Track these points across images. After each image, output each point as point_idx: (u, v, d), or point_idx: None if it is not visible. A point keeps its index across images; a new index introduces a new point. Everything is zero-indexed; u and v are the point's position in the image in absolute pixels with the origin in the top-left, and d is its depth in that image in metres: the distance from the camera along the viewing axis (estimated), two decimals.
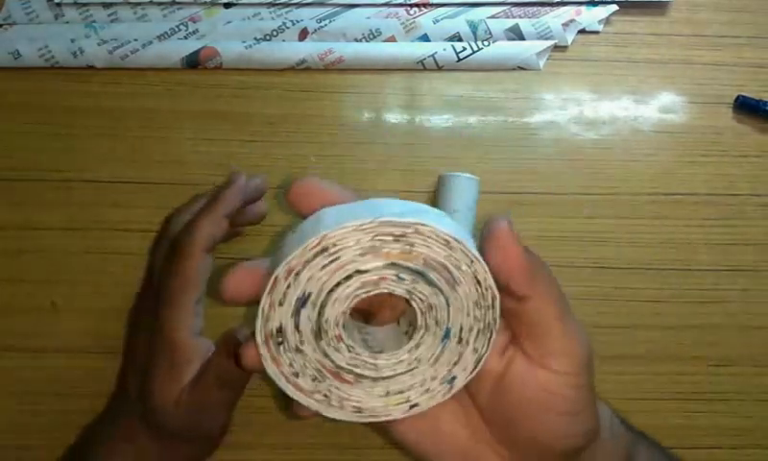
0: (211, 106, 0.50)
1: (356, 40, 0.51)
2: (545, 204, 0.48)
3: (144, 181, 0.48)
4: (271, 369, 0.26)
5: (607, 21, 0.52)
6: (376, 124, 0.50)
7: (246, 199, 0.42)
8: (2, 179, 0.48)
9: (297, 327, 0.25)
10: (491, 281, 0.26)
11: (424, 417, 0.28)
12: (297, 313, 0.25)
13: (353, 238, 0.24)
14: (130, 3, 0.51)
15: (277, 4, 0.52)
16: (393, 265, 0.25)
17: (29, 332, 0.45)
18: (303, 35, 0.51)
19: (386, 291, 0.25)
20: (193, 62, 0.50)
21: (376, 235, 0.24)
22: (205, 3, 0.51)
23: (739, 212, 0.48)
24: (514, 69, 0.51)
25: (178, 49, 0.50)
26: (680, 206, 0.48)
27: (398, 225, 0.24)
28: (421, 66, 0.50)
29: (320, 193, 0.26)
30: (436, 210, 0.26)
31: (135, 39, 0.49)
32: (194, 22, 0.51)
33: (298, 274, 0.25)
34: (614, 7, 0.52)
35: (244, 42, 0.50)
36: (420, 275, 0.25)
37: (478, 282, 0.26)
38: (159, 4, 0.51)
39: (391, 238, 0.24)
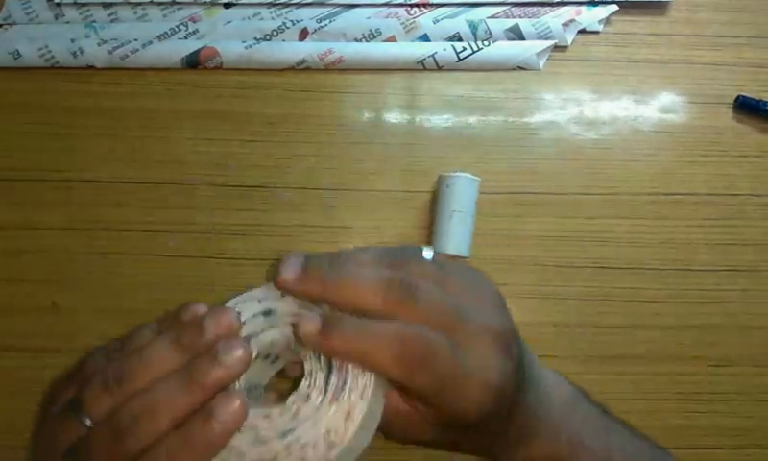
0: (211, 106, 0.50)
1: (356, 40, 0.51)
2: (545, 204, 0.48)
3: (144, 181, 0.48)
4: None
5: (607, 21, 0.52)
6: (376, 124, 0.50)
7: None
8: (2, 179, 0.48)
9: None
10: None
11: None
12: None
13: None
14: (130, 3, 0.51)
15: (277, 4, 0.52)
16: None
17: (29, 332, 0.45)
18: (303, 35, 0.51)
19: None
20: (193, 62, 0.50)
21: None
22: (205, 3, 0.51)
23: (739, 212, 0.48)
24: (514, 69, 0.51)
25: (178, 49, 0.50)
26: (680, 206, 0.48)
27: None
28: (421, 66, 0.50)
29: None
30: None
31: (135, 39, 0.49)
32: (194, 22, 0.51)
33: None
34: (614, 7, 0.52)
35: (244, 42, 0.50)
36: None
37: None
38: (159, 4, 0.51)
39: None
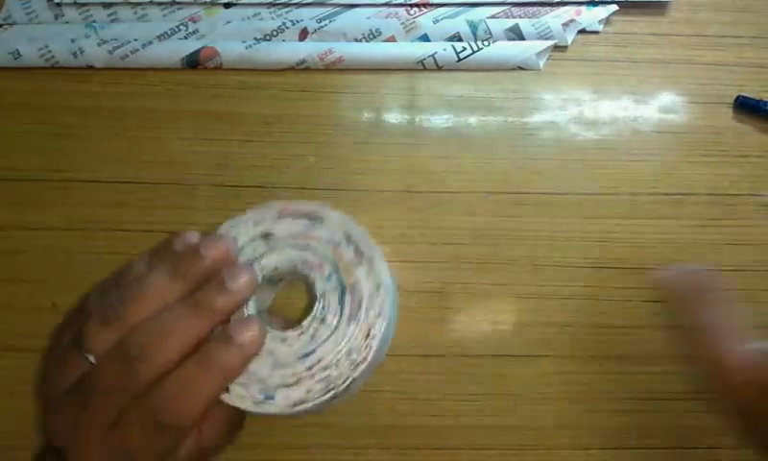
0: (211, 106, 0.50)
1: (356, 40, 0.51)
2: (545, 204, 0.48)
3: (144, 181, 0.48)
4: None
5: (607, 21, 0.52)
6: (376, 124, 0.50)
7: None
8: (2, 179, 0.48)
9: None
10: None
11: None
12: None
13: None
14: (130, 3, 0.51)
15: (277, 4, 0.52)
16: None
17: (29, 332, 0.45)
18: (303, 35, 0.51)
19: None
20: (193, 62, 0.50)
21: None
22: (205, 3, 0.51)
23: (739, 212, 0.48)
24: (514, 69, 0.51)
25: (178, 49, 0.50)
26: (680, 206, 0.48)
27: None
28: (421, 66, 0.50)
29: None
30: None
31: (135, 39, 0.49)
32: (194, 22, 0.51)
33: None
34: (614, 7, 0.52)
35: (244, 42, 0.50)
36: None
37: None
38: (159, 4, 0.51)
39: None
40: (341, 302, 0.29)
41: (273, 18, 0.51)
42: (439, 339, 0.45)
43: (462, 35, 0.51)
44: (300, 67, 0.50)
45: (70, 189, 0.47)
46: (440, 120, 0.50)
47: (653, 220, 0.48)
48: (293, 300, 0.32)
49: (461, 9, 0.52)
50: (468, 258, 0.46)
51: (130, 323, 0.27)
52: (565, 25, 0.51)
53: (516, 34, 0.51)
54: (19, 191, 0.47)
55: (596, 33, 0.52)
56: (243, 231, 0.30)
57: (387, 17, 0.51)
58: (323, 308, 0.29)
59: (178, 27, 0.50)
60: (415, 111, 0.50)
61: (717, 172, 0.49)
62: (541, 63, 0.51)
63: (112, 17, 0.51)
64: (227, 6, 0.52)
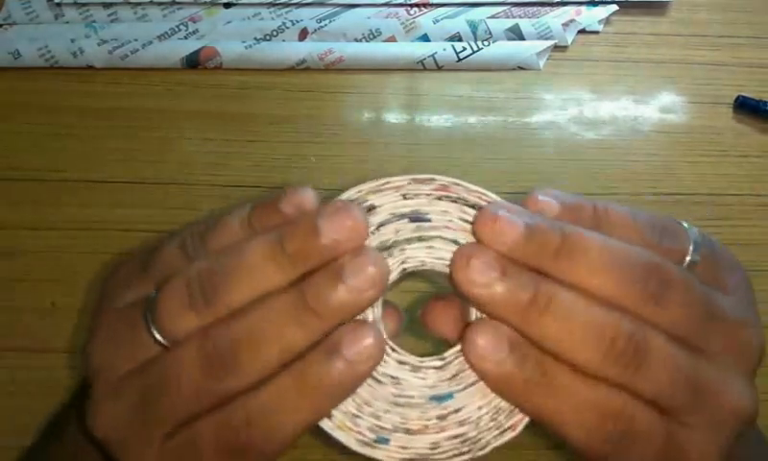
0: (211, 106, 0.50)
1: (356, 40, 0.51)
2: None
3: (144, 181, 0.48)
4: None
5: (607, 21, 0.52)
6: (376, 124, 0.50)
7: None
8: (2, 179, 0.48)
9: None
10: None
11: None
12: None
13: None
14: (130, 3, 0.51)
15: (277, 4, 0.52)
16: None
17: (29, 332, 0.45)
18: (303, 35, 0.51)
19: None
20: (193, 62, 0.50)
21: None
22: (205, 3, 0.51)
23: (739, 212, 0.48)
24: (514, 69, 0.51)
25: (178, 49, 0.50)
26: (680, 206, 0.48)
27: None
28: (421, 66, 0.50)
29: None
30: None
31: (135, 39, 0.49)
32: (194, 22, 0.51)
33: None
34: (614, 7, 0.52)
35: (244, 42, 0.50)
36: None
37: None
38: (159, 4, 0.51)
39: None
40: None
41: (273, 18, 0.51)
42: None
43: (462, 35, 0.51)
44: (301, 67, 0.50)
45: (70, 189, 0.47)
46: (440, 120, 0.50)
47: None
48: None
49: (461, 9, 0.52)
50: None
51: (220, 310, 0.21)
52: (565, 25, 0.51)
53: (516, 34, 0.51)
54: (19, 191, 0.47)
55: (596, 33, 0.52)
56: (387, 203, 0.23)
57: (387, 17, 0.51)
58: None
59: (178, 27, 0.50)
60: (415, 111, 0.50)
61: (717, 172, 0.49)
62: (541, 63, 0.51)
63: (112, 17, 0.51)
64: (227, 6, 0.52)
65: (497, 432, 0.22)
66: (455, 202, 0.23)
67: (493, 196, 0.23)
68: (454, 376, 0.22)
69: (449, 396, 0.22)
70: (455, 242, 0.22)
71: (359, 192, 0.23)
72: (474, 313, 0.22)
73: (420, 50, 0.50)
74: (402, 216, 0.23)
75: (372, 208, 0.23)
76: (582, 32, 0.51)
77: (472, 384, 0.22)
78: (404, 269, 0.22)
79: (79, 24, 0.51)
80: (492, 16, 0.51)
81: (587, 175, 0.49)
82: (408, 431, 0.22)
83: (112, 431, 0.23)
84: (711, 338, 0.23)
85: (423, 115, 0.50)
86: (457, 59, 0.50)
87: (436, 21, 0.51)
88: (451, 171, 0.47)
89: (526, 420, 0.22)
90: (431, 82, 0.51)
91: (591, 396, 0.21)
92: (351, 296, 0.20)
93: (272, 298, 0.21)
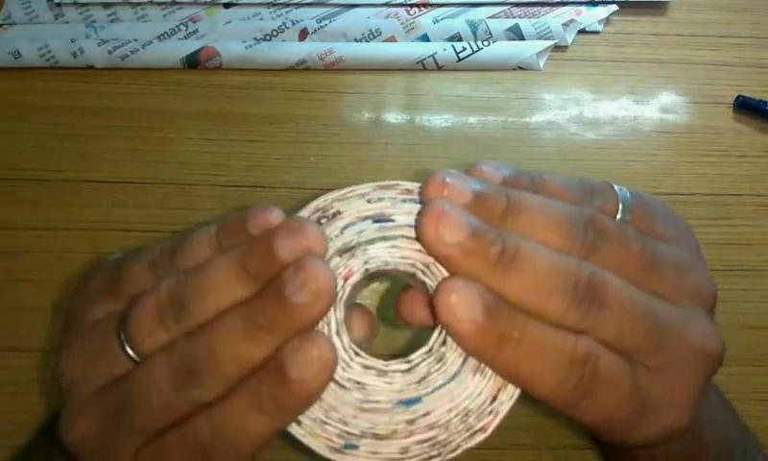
0: (211, 106, 0.50)
1: (356, 40, 0.51)
2: None
3: (144, 181, 0.48)
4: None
5: (607, 21, 0.52)
6: (376, 124, 0.50)
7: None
8: (2, 179, 0.48)
9: None
10: None
11: None
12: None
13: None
14: (130, 3, 0.51)
15: (277, 4, 0.52)
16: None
17: (29, 332, 0.45)
18: (303, 35, 0.51)
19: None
20: (193, 62, 0.50)
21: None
22: (205, 3, 0.51)
23: (739, 212, 0.48)
24: (514, 69, 0.51)
25: (178, 49, 0.50)
26: (680, 207, 0.48)
27: None
28: (421, 66, 0.50)
29: None
30: None
31: (135, 39, 0.49)
32: (194, 22, 0.51)
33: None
34: (614, 7, 0.52)
35: (244, 42, 0.50)
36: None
37: None
38: (159, 4, 0.51)
39: None
40: None
41: (273, 18, 0.51)
42: None
43: (462, 35, 0.51)
44: (301, 67, 0.50)
45: (70, 189, 0.47)
46: (440, 120, 0.50)
47: None
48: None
49: (461, 9, 0.52)
50: None
51: (189, 326, 0.22)
52: (565, 25, 0.51)
53: (516, 34, 0.51)
54: (19, 191, 0.47)
55: (596, 33, 0.52)
56: (352, 208, 0.23)
57: (387, 17, 0.51)
58: (443, 342, 0.22)
59: (178, 27, 0.50)
60: (415, 111, 0.50)
61: (717, 172, 0.49)
62: (541, 63, 0.51)
63: (112, 17, 0.51)
64: (227, 6, 0.52)
65: (467, 434, 0.22)
66: (419, 203, 0.23)
67: None
68: (422, 379, 0.22)
69: (418, 400, 0.21)
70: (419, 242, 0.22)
71: (325, 201, 0.23)
72: None
73: (420, 50, 0.50)
74: (366, 218, 0.23)
75: (337, 214, 0.23)
76: (582, 32, 0.51)
77: (441, 387, 0.21)
78: (367, 269, 0.22)
79: (79, 24, 0.51)
80: (492, 16, 0.51)
81: (586, 175, 0.49)
82: (376, 436, 0.21)
83: (85, 445, 0.23)
84: (658, 281, 0.23)
85: (423, 115, 0.50)
86: (457, 59, 0.50)
87: (436, 21, 0.51)
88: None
89: (497, 421, 0.22)
90: (431, 82, 0.51)
91: (559, 344, 0.21)
92: (296, 311, 0.20)
93: (228, 314, 0.21)
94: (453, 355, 0.22)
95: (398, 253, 0.22)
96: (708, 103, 0.51)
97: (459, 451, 0.22)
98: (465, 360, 0.22)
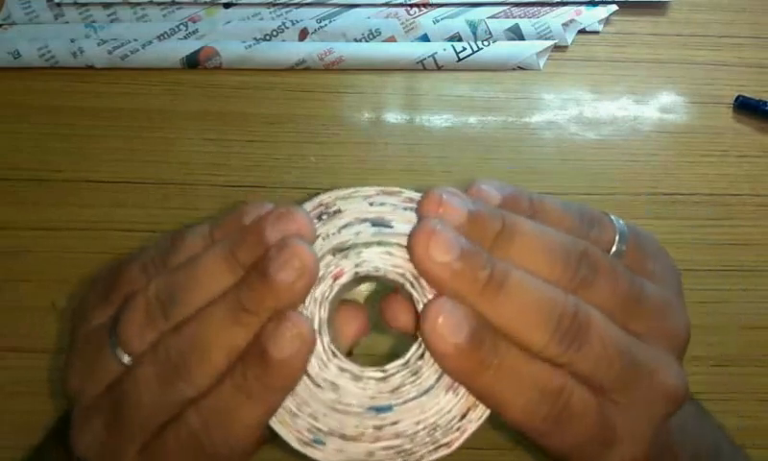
0: (211, 106, 0.50)
1: (356, 40, 0.51)
2: None
3: (144, 181, 0.48)
4: None
5: (607, 21, 0.52)
6: (376, 124, 0.50)
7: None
8: (2, 179, 0.48)
9: None
10: None
11: None
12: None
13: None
14: (130, 3, 0.51)
15: (277, 4, 0.52)
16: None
17: (29, 333, 0.45)
18: (303, 35, 0.51)
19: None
20: (193, 62, 0.50)
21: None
22: (205, 3, 0.51)
23: (739, 212, 0.48)
24: (514, 69, 0.51)
25: (178, 49, 0.50)
26: (680, 206, 0.48)
27: None
28: (421, 66, 0.50)
29: None
30: None
31: (135, 39, 0.49)
32: (194, 22, 0.51)
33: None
34: (614, 7, 0.52)
35: (244, 42, 0.50)
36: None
37: None
38: (159, 4, 0.51)
39: None
40: None
41: (273, 18, 0.51)
42: None
43: (462, 35, 0.51)
44: (300, 67, 0.50)
45: (70, 189, 0.47)
46: (440, 120, 0.50)
47: (653, 220, 0.48)
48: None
49: (461, 9, 0.52)
50: None
51: (176, 320, 0.22)
52: (565, 25, 0.51)
53: (516, 34, 0.51)
54: (19, 191, 0.47)
55: (596, 33, 0.52)
56: (353, 208, 0.23)
57: (387, 17, 0.51)
58: (420, 356, 0.22)
59: (177, 27, 0.50)
60: (415, 111, 0.50)
61: (717, 172, 0.49)
62: (541, 63, 0.51)
63: (112, 17, 0.51)
64: (226, 6, 0.52)
65: (432, 447, 0.22)
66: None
67: None
68: (395, 389, 0.22)
69: (388, 408, 0.22)
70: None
71: (329, 197, 0.23)
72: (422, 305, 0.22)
73: (420, 50, 0.50)
74: (365, 220, 0.23)
75: (338, 212, 0.23)
76: (582, 32, 0.51)
77: (413, 399, 0.22)
78: (357, 272, 0.22)
79: (79, 24, 0.51)
80: (492, 16, 0.51)
81: (587, 175, 0.49)
82: (344, 437, 0.22)
83: (90, 451, 0.24)
84: (638, 321, 0.24)
85: (423, 115, 0.50)
86: (457, 59, 0.50)
87: (436, 21, 0.51)
88: (451, 171, 0.47)
89: (463, 438, 0.22)
90: (431, 82, 0.51)
91: (535, 375, 0.21)
92: (280, 288, 0.21)
93: (214, 303, 0.22)
94: (429, 371, 0.22)
95: (391, 260, 0.22)
96: (707, 103, 0.51)
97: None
98: (439, 377, 0.22)
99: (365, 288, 0.26)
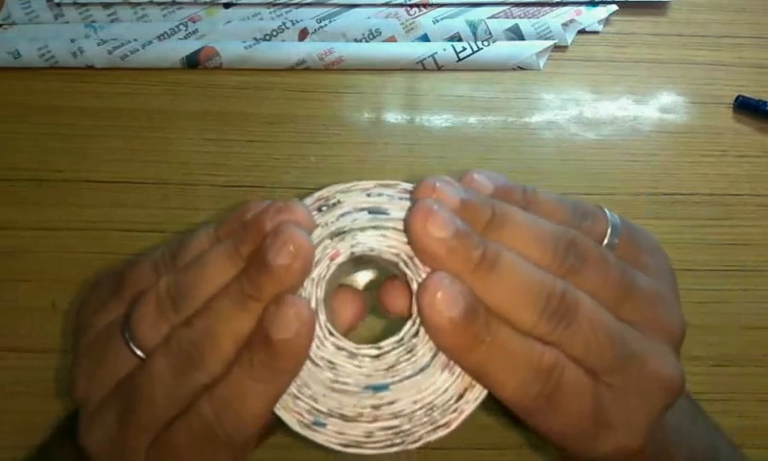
0: (211, 106, 0.50)
1: (356, 40, 0.51)
2: None
3: (144, 181, 0.48)
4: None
5: (607, 21, 0.52)
6: (376, 124, 0.50)
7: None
8: (2, 179, 0.48)
9: None
10: None
11: None
12: None
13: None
14: (130, 3, 0.51)
15: (277, 4, 0.52)
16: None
17: (29, 333, 0.45)
18: (303, 35, 0.51)
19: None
20: (193, 62, 0.50)
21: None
22: (205, 3, 0.51)
23: (739, 212, 0.48)
24: (514, 69, 0.51)
25: (178, 49, 0.50)
26: (680, 206, 0.48)
27: None
28: (421, 66, 0.50)
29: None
30: None
31: (135, 39, 0.49)
32: (194, 22, 0.51)
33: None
34: (614, 7, 0.52)
35: (244, 42, 0.50)
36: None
37: None
38: (159, 4, 0.51)
39: None
40: None
41: (273, 18, 0.51)
42: None
43: (462, 35, 0.51)
44: (300, 67, 0.50)
45: (70, 189, 0.47)
46: (440, 120, 0.50)
47: (652, 220, 0.48)
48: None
49: (461, 9, 0.52)
50: None
51: (186, 313, 0.23)
52: (565, 25, 0.51)
53: (515, 34, 0.51)
54: (19, 191, 0.47)
55: (596, 33, 0.52)
56: (351, 199, 0.24)
57: (387, 17, 0.51)
58: (414, 334, 0.22)
59: (177, 27, 0.50)
60: (415, 111, 0.50)
61: (717, 172, 0.49)
62: (541, 63, 0.51)
63: (112, 17, 0.51)
64: (226, 6, 0.52)
65: (431, 428, 0.22)
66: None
67: None
68: (390, 367, 0.22)
69: (385, 387, 0.22)
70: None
71: (329, 191, 0.24)
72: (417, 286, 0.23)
73: (420, 50, 0.50)
74: (362, 209, 0.24)
75: (337, 204, 0.24)
76: (582, 32, 0.51)
77: (409, 377, 0.22)
78: (353, 253, 0.23)
79: (79, 24, 0.51)
80: (492, 16, 0.51)
81: (587, 175, 0.49)
82: (343, 417, 0.22)
83: (100, 447, 0.24)
84: (630, 310, 0.24)
85: (423, 115, 0.50)
86: (457, 59, 0.50)
87: (436, 21, 0.51)
88: (451, 171, 0.47)
89: (460, 419, 0.22)
90: (431, 82, 0.51)
91: (527, 352, 0.22)
92: (278, 273, 0.22)
93: (220, 294, 0.23)
94: (424, 349, 0.22)
95: (386, 242, 0.23)
96: (707, 103, 0.51)
97: (421, 443, 0.22)
98: (434, 355, 0.22)
99: (362, 277, 0.27)
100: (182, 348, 0.22)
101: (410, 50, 0.50)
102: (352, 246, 0.23)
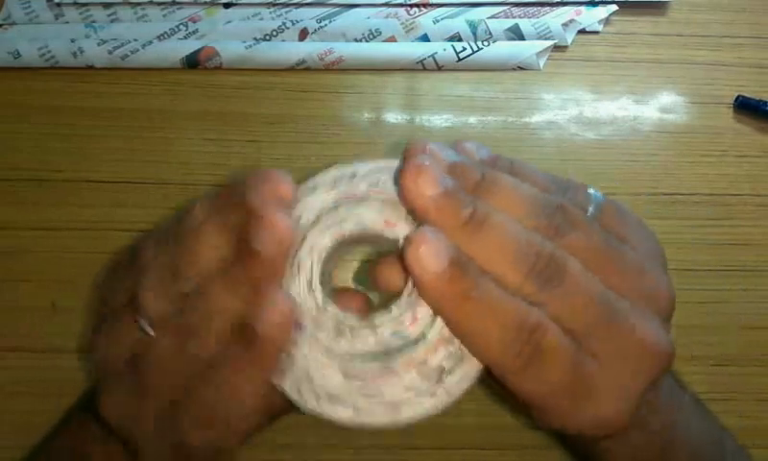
0: (211, 106, 0.50)
1: (356, 40, 0.51)
2: None
3: (144, 181, 0.48)
4: None
5: (607, 21, 0.52)
6: (376, 124, 0.50)
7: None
8: (2, 179, 0.48)
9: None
10: None
11: None
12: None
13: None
14: (130, 3, 0.51)
15: (277, 4, 0.52)
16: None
17: (29, 333, 0.45)
18: (303, 35, 0.51)
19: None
20: (193, 62, 0.50)
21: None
22: (205, 3, 0.51)
23: (739, 212, 0.48)
24: (514, 69, 0.51)
25: (178, 49, 0.50)
26: (680, 206, 0.48)
27: None
28: (421, 66, 0.50)
29: None
30: None
31: (135, 39, 0.49)
32: (194, 22, 0.51)
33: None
34: (614, 7, 0.52)
35: (244, 42, 0.50)
36: None
37: None
38: (159, 4, 0.51)
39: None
40: (434, 317, 0.22)
41: (273, 18, 0.51)
42: None
43: (462, 35, 0.51)
44: (300, 67, 0.50)
45: (71, 189, 0.47)
46: (440, 120, 0.50)
47: (652, 220, 0.48)
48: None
49: (461, 9, 0.52)
50: None
51: (185, 286, 0.24)
52: (565, 25, 0.51)
53: (515, 34, 0.51)
54: (19, 191, 0.47)
55: (596, 33, 0.52)
56: (368, 167, 0.25)
57: (387, 17, 0.51)
58: (410, 305, 0.23)
59: (177, 27, 0.50)
60: (415, 111, 0.50)
61: (717, 172, 0.49)
62: (541, 63, 0.51)
63: (112, 17, 0.51)
64: (226, 6, 0.52)
65: (431, 398, 0.23)
66: None
67: None
68: (390, 335, 0.23)
69: (386, 357, 0.22)
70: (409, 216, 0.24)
71: (351, 164, 0.26)
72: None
73: (420, 50, 0.50)
74: (381, 170, 0.25)
75: (354, 174, 0.25)
76: (582, 32, 0.52)
77: (407, 348, 0.23)
78: (351, 230, 0.24)
79: (79, 24, 0.51)
80: (492, 16, 0.51)
81: (587, 175, 0.49)
82: (349, 392, 0.23)
83: (116, 416, 0.26)
84: (616, 277, 0.24)
85: (423, 115, 0.50)
86: (457, 59, 0.50)
87: (436, 21, 0.51)
88: None
89: (459, 392, 0.23)
90: (431, 82, 0.51)
91: (511, 309, 0.22)
92: (262, 258, 0.23)
93: (214, 275, 0.24)
94: (423, 314, 0.23)
95: (384, 213, 0.24)
96: (707, 103, 0.51)
97: (425, 415, 0.23)
98: (431, 323, 0.23)
99: (360, 252, 0.28)
100: (181, 321, 0.24)
101: (410, 50, 0.50)
102: (350, 217, 0.24)
